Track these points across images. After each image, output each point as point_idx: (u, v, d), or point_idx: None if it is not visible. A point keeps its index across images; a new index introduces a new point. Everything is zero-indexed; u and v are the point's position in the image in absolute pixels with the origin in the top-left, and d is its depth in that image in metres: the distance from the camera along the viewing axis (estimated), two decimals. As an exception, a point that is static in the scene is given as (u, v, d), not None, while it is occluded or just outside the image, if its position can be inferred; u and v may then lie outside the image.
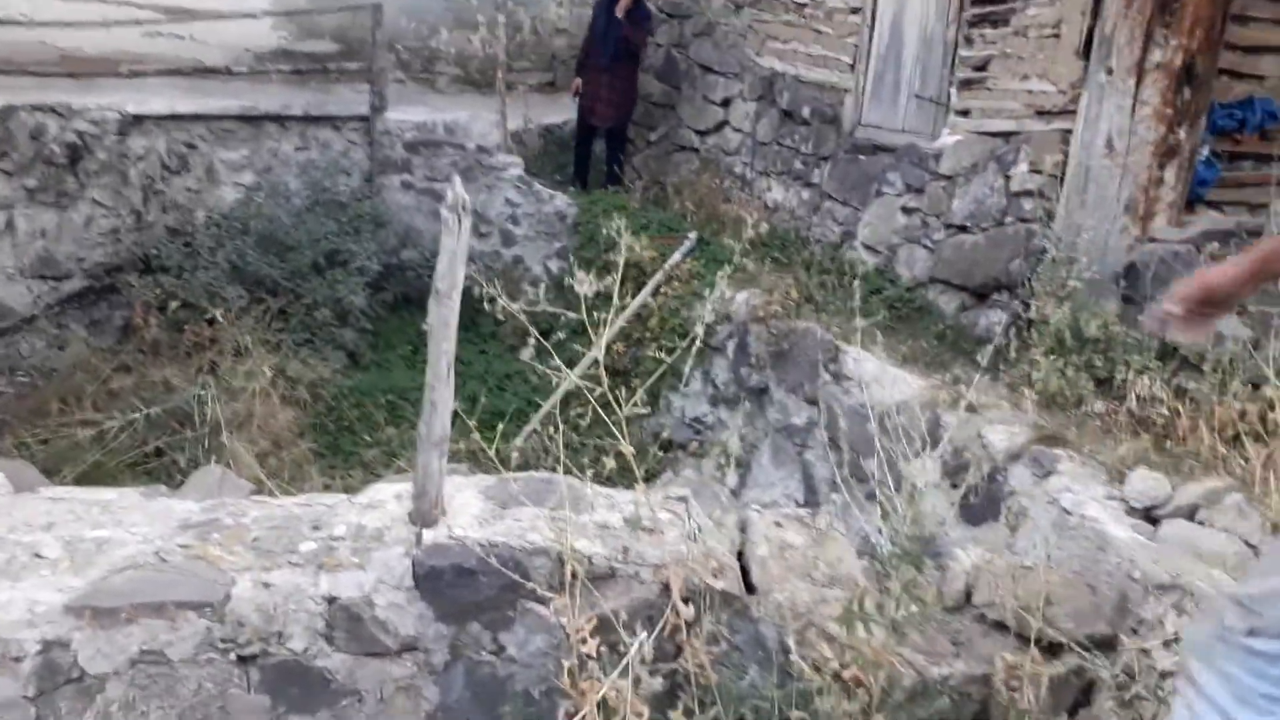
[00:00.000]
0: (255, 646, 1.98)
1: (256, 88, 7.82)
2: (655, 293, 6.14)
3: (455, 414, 6.61)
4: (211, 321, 5.99)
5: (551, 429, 5.53)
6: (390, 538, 2.16)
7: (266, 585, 2.03)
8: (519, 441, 5.66)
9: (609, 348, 6.30)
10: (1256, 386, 3.83)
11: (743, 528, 2.53)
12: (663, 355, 3.95)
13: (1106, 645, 2.37)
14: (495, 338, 7.05)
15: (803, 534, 2.52)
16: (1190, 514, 3.36)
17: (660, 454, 5.74)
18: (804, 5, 7.04)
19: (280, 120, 7.32)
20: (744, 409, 5.26)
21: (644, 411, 5.40)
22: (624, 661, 1.90)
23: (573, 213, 7.31)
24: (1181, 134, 4.68)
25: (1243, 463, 3.49)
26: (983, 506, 3.75)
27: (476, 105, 8.56)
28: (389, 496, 2.35)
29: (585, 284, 2.11)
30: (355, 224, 6.77)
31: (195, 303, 6.09)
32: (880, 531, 2.35)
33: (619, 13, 7.53)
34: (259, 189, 7.00)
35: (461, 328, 7.71)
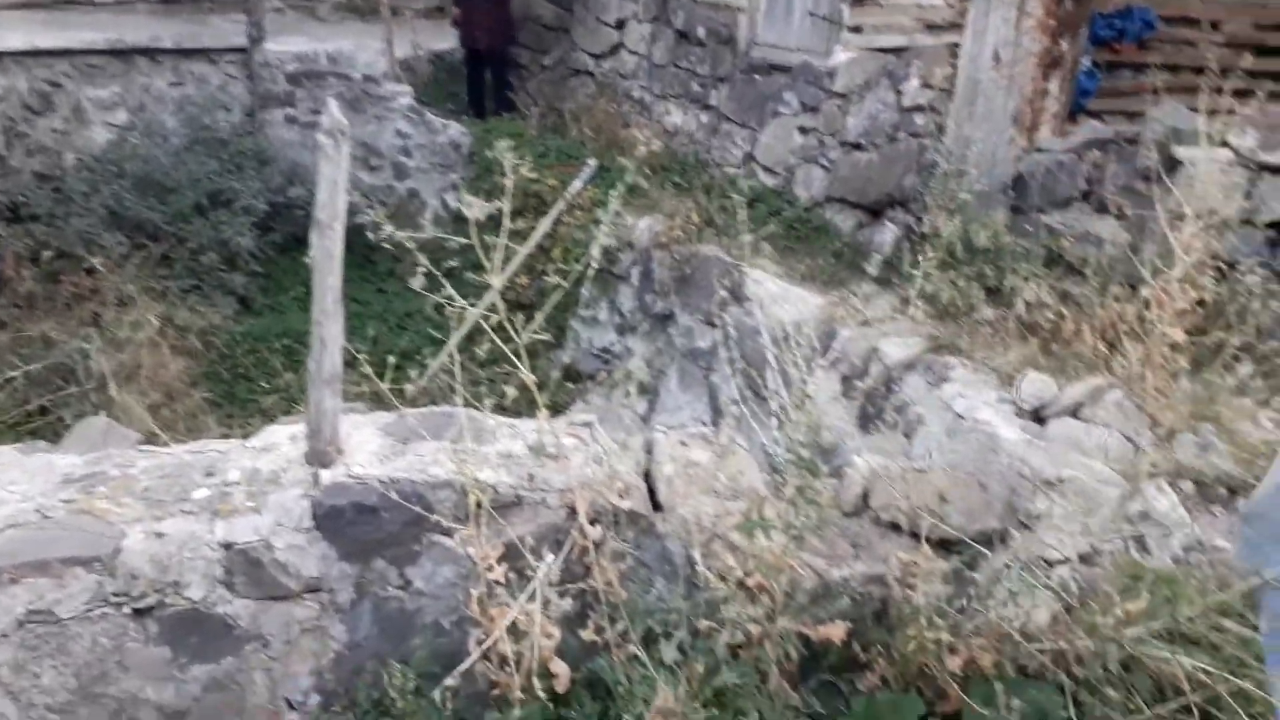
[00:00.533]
0: (151, 598, 1.93)
1: (122, 19, 7.34)
2: (557, 222, 6.06)
3: (353, 354, 6.43)
4: (90, 271, 5.70)
5: (453, 364, 5.46)
6: (287, 479, 2.11)
7: (159, 535, 1.96)
8: (422, 380, 5.58)
9: (511, 281, 6.21)
10: (1134, 288, 4.00)
11: (648, 449, 2.54)
12: (564, 283, 3.93)
13: (998, 540, 2.48)
14: (393, 275, 6.89)
15: (707, 451, 2.55)
16: (1075, 412, 3.52)
17: (570, 385, 5.73)
18: (695, -79, 6.91)
19: (151, 54, 6.91)
20: (650, 335, 5.28)
21: (549, 341, 5.31)
22: (531, 585, 1.91)
23: (468, 142, 7.13)
24: (1064, 45, 4.79)
25: (1123, 361, 3.66)
26: (879, 416, 3.85)
27: (361, 33, 8.21)
28: (283, 438, 2.29)
29: (475, 208, 2.05)
30: (238, 162, 6.48)
31: (71, 251, 5.77)
32: (778, 443, 2.40)
33: None
34: (133, 128, 6.63)
35: (356, 266, 7.51)
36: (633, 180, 6.24)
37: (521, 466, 2.25)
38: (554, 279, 5.71)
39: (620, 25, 7.69)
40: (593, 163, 6.42)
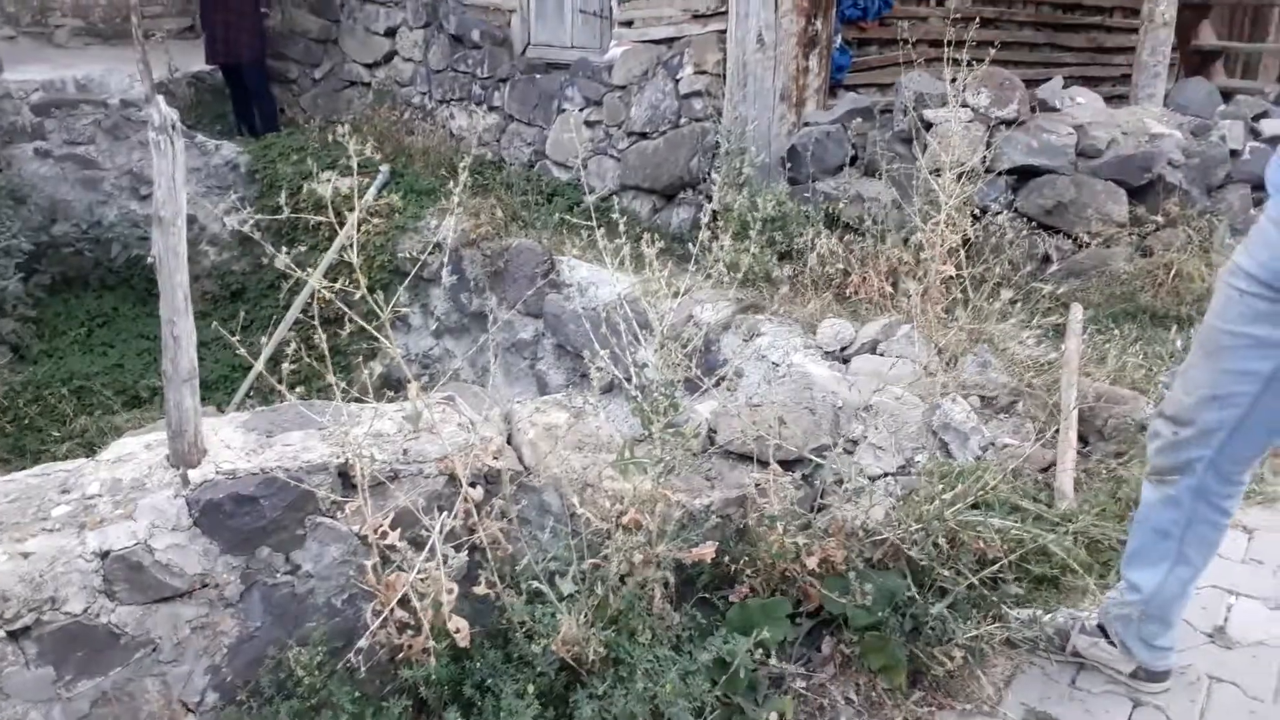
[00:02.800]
0: (26, 618, 1.84)
1: None
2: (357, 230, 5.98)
3: (153, 392, 6.10)
4: None
5: (266, 388, 5.28)
6: (153, 483, 2.06)
7: (25, 555, 1.88)
8: (234, 401, 5.38)
9: (312, 297, 6.06)
10: (906, 239, 4.49)
11: (507, 418, 2.65)
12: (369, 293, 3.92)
13: (831, 454, 2.77)
14: (183, 306, 6.53)
15: (563, 414, 2.69)
16: (873, 348, 3.93)
17: (391, 394, 5.68)
18: (457, -73, 7.00)
19: None
20: (469, 333, 5.33)
21: (365, 352, 5.29)
22: (430, 540, 1.98)
23: (245, 160, 6.89)
24: (819, 24, 5.26)
25: (906, 300, 4.10)
26: (704, 374, 4.12)
27: (109, 58, 7.75)
28: (138, 448, 2.22)
29: (325, 183, 2.09)
30: (-11, 201, 5.97)
31: None
32: (628, 398, 2.55)
33: None
34: None
35: (140, 302, 7.11)
36: (428, 183, 6.25)
37: (392, 443, 2.30)
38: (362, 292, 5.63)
39: (391, 33, 7.66)
40: (385, 169, 6.38)
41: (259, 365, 5.71)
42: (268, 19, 7.89)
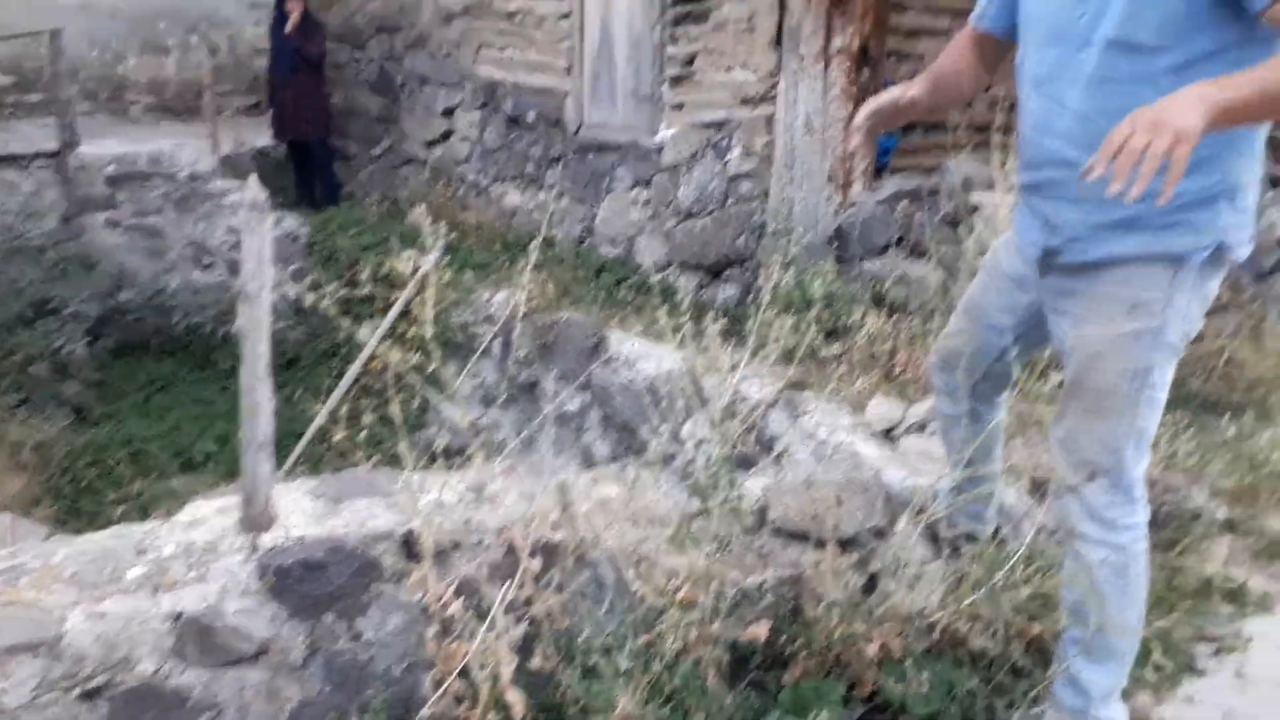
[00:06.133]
0: (100, 678, 1.90)
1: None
2: (410, 303, 6.13)
3: (207, 456, 6.22)
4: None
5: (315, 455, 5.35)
6: (225, 548, 2.12)
7: (102, 615, 1.94)
8: (287, 464, 5.47)
9: (367, 367, 6.21)
10: (953, 318, 4.51)
11: (563, 490, 2.70)
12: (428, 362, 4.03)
13: (882, 535, 2.77)
14: (235, 373, 6.72)
15: (618, 487, 2.73)
16: (921, 429, 3.93)
17: (445, 461, 5.76)
18: (514, 14, 7.29)
19: (-47, 164, 6.57)
20: (517, 404, 5.41)
21: (413, 423, 5.38)
22: (492, 611, 2.02)
23: (305, 233, 7.12)
24: (865, 111, 5.38)
25: (953, 381, 4.10)
26: (753, 452, 4.15)
27: (179, 133, 8.10)
28: (210, 512, 2.30)
29: (405, 261, 2.19)
30: (62, 268, 6.22)
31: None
32: (688, 472, 2.60)
33: (289, 29, 7.53)
34: (-59, 242, 6.25)
35: (198, 368, 7.29)
36: (481, 258, 6.42)
37: (455, 513, 2.35)
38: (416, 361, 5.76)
39: (449, 113, 7.94)
40: (440, 243, 6.56)
41: (313, 428, 5.84)
42: (331, 97, 8.23)
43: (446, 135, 7.97)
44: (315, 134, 7.85)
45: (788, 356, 4.81)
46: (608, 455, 4.93)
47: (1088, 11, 1.85)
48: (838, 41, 5.19)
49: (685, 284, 6.14)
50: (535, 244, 2.56)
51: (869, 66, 5.26)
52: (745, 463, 4.20)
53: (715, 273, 6.05)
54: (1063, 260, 2.06)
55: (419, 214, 2.38)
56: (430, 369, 2.17)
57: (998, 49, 2.23)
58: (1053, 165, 2.02)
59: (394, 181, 8.31)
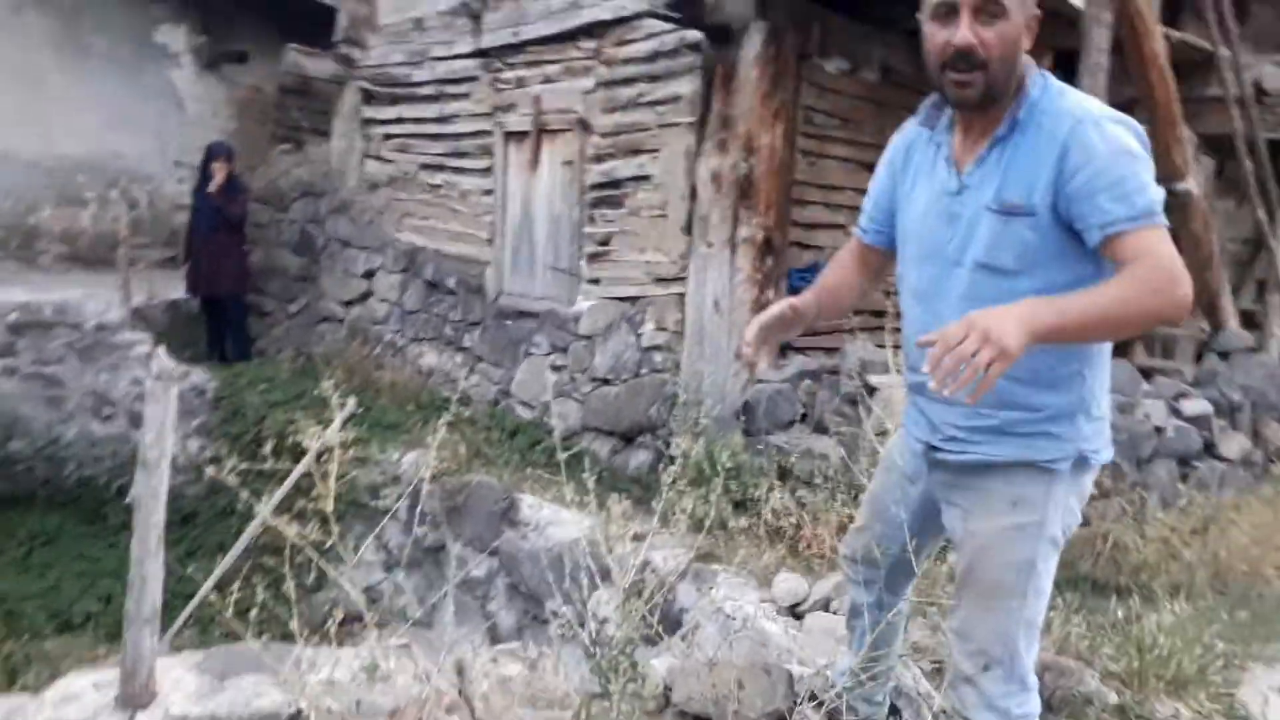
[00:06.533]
0: None
1: None
2: (317, 463, 6.02)
3: (87, 617, 5.90)
4: None
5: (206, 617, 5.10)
6: (98, 729, 2.01)
7: (-49, 805, 1.80)
8: (171, 631, 5.18)
9: (266, 528, 6.00)
10: (855, 494, 4.65)
11: (460, 668, 2.63)
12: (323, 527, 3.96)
13: (782, 718, 2.76)
14: (126, 528, 6.42)
15: (518, 665, 2.68)
16: (826, 605, 3.97)
17: (335, 629, 5.52)
18: (438, 186, 7.57)
19: None
20: (421, 569, 5.28)
21: (307, 585, 5.21)
22: (381, 802, 1.93)
23: (212, 387, 7.00)
24: (770, 294, 5.67)
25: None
26: (661, 625, 4.11)
27: (90, 282, 8.02)
28: (85, 686, 2.17)
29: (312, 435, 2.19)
30: (-51, 416, 5.97)
31: None
32: (589, 652, 2.57)
33: (212, 189, 7.66)
34: None
35: (87, 521, 6.95)
36: (393, 418, 6.37)
37: (345, 693, 2.28)
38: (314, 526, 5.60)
39: (369, 275, 8.06)
40: (351, 402, 6.51)
41: (199, 597, 5.57)
42: (251, 256, 8.29)
43: (365, 296, 8.05)
44: (233, 291, 7.87)
45: (697, 526, 4.87)
46: (513, 626, 4.81)
47: (956, 235, 2.05)
48: (743, 231, 5.51)
49: (599, 448, 6.19)
50: (452, 402, 2.58)
51: (773, 255, 5.58)
52: (652, 640, 4.15)
53: (628, 439, 6.13)
54: (944, 457, 2.19)
55: (327, 386, 2.41)
56: (329, 542, 2.14)
57: (881, 259, 2.41)
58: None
59: (310, 338, 8.31)
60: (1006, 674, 2.15)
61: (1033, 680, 2.20)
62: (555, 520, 4.71)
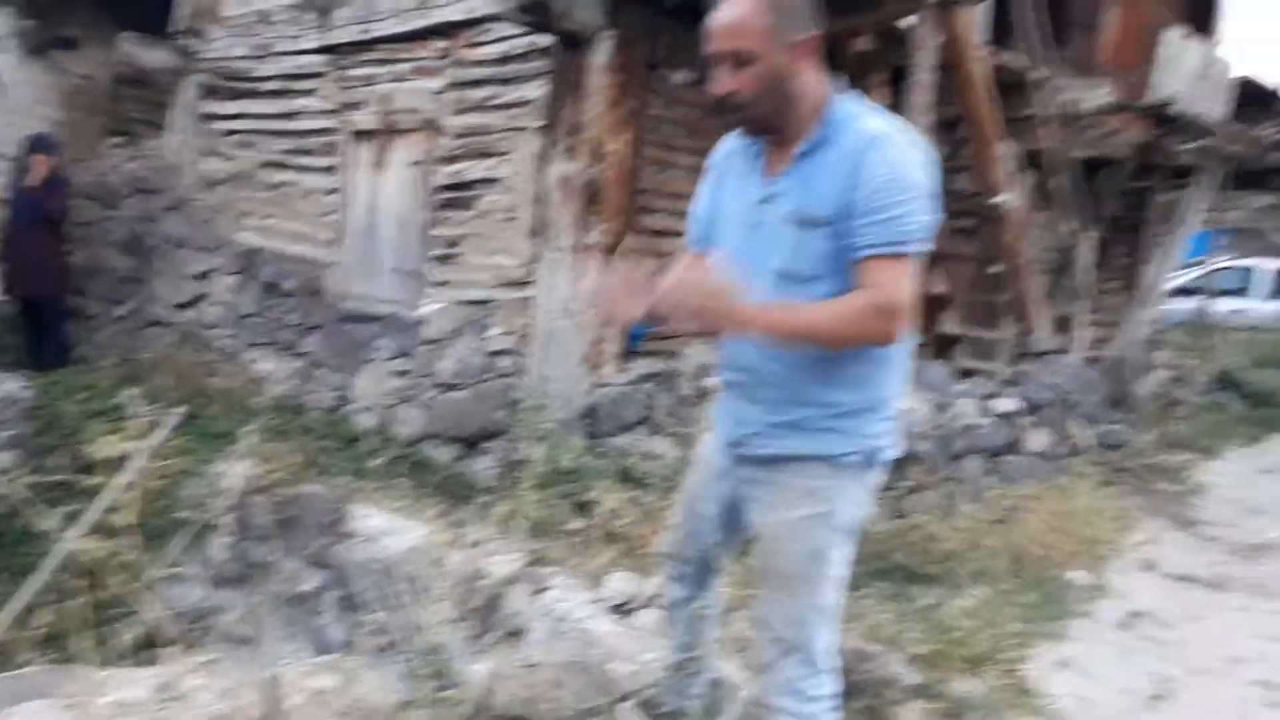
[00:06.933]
0: None
1: None
2: (140, 475, 5.74)
3: None
4: None
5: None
6: None
7: None
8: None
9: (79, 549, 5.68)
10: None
11: (274, 682, 2.59)
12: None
13: (598, 716, 2.83)
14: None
15: (334, 677, 2.65)
16: (655, 604, 4.08)
17: (153, 650, 5.28)
18: (279, 185, 7.34)
19: None
20: (248, 585, 5.11)
21: (123, 609, 5.05)
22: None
23: (27, 396, 6.57)
24: (614, 299, 5.76)
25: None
26: (489, 630, 4.12)
27: (-112, 284, 7.39)
28: None
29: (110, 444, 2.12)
30: None
31: None
32: (406, 663, 2.58)
33: (31, 182, 7.25)
34: None
35: None
36: (223, 427, 6.16)
37: (140, 715, 2.21)
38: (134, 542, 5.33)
39: (203, 277, 7.74)
40: (177, 411, 6.24)
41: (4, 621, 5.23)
42: (70, 256, 7.83)
43: (199, 299, 7.73)
44: (50, 293, 7.40)
45: (536, 530, 4.91)
46: (343, 640, 4.72)
47: (761, 242, 2.18)
48: (591, 236, 5.59)
49: (443, 455, 6.14)
50: (282, 411, 2.53)
51: (619, 260, 5.67)
52: (483, 645, 4.16)
53: (473, 444, 6.10)
54: (747, 452, 2.31)
55: (128, 396, 2.33)
56: (141, 558, 2.08)
57: None
58: (739, 369, 2.30)
59: (137, 344, 7.89)
60: (804, 659, 2.28)
61: (827, 664, 2.34)
62: (390, 530, 4.64)
